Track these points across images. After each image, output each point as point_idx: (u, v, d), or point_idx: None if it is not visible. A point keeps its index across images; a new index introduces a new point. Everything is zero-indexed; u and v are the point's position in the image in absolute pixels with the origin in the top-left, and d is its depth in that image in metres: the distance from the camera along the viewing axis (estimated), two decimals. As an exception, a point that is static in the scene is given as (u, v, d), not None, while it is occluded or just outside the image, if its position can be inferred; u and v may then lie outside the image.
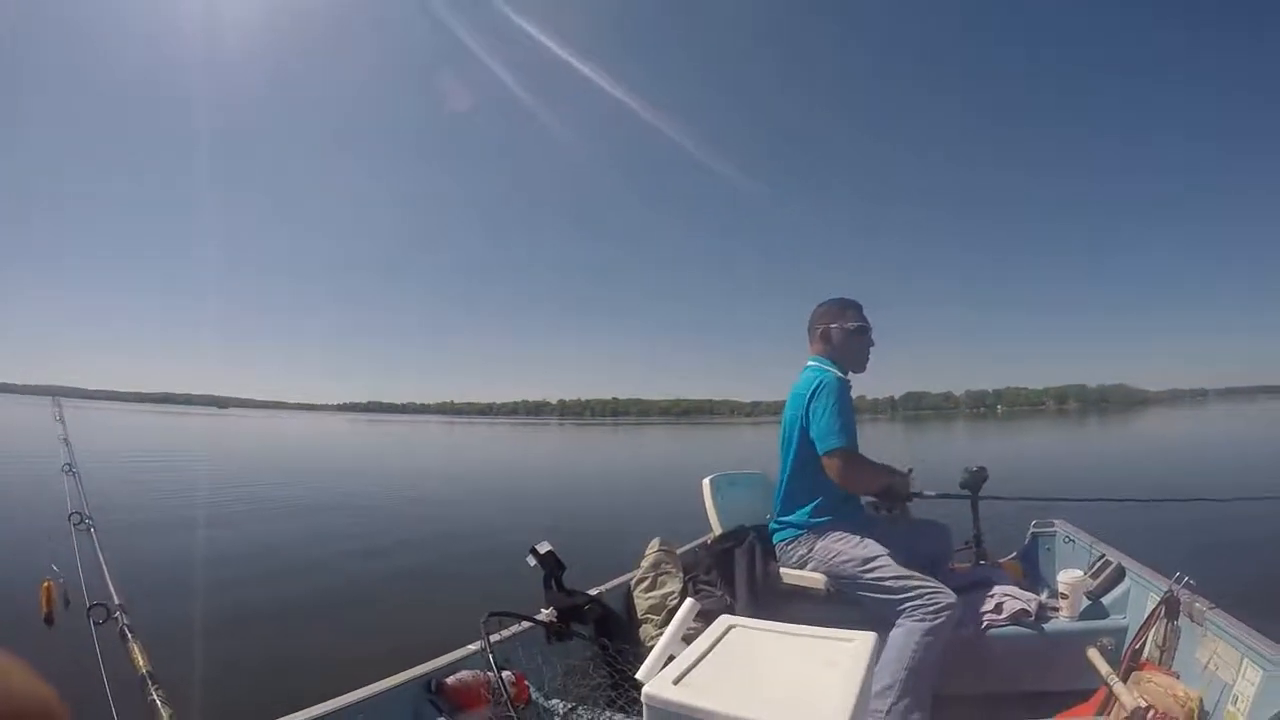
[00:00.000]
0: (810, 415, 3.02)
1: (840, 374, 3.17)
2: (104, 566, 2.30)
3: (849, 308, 3.30)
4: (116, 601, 2.02)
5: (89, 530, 2.51)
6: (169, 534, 9.73)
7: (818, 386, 3.03)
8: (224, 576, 7.21)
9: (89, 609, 1.96)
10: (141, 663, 1.77)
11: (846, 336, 3.25)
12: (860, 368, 3.32)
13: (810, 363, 3.28)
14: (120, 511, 10.64)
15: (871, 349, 3.34)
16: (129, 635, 1.87)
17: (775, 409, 3.35)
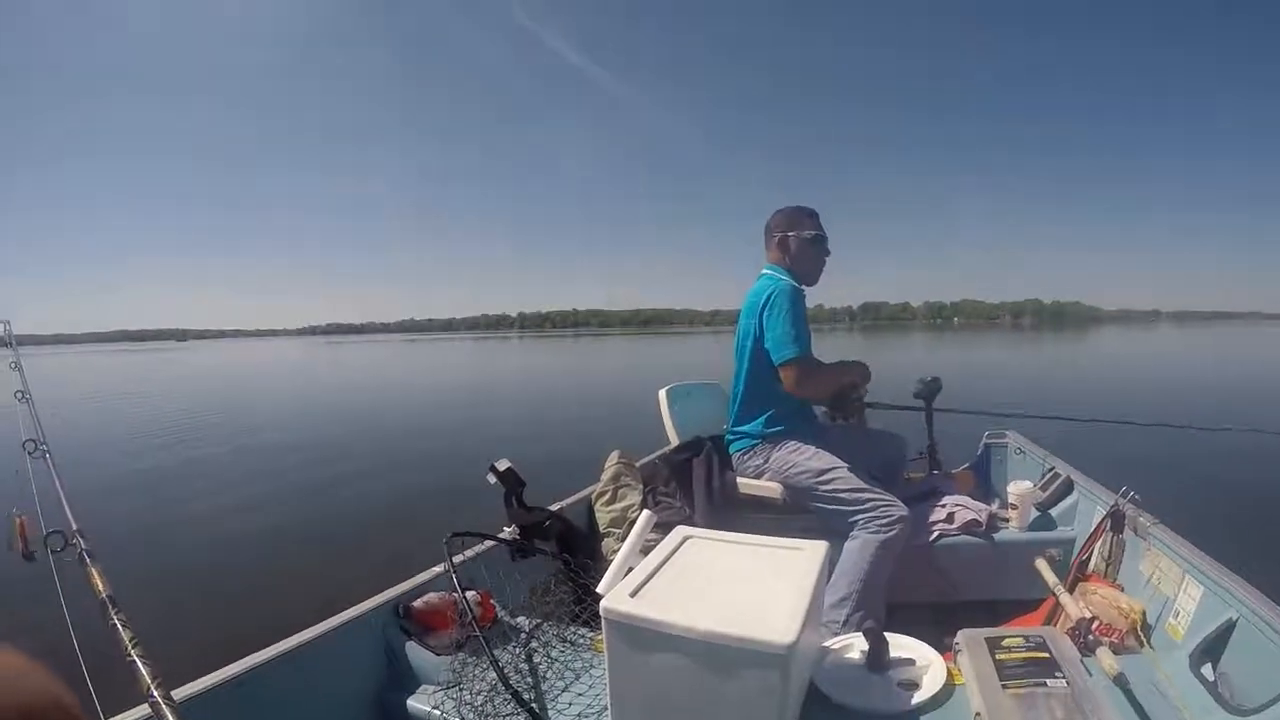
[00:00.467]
0: (764, 324, 3.00)
1: (794, 282, 3.14)
2: (61, 493, 2.26)
3: (806, 216, 3.25)
4: (74, 527, 1.99)
5: (45, 457, 2.46)
6: (127, 463, 9.77)
7: (771, 295, 3.00)
8: (185, 505, 7.24)
9: (46, 536, 1.93)
10: (101, 587, 1.75)
11: (802, 245, 3.20)
12: (813, 281, 3.29)
13: (765, 271, 3.25)
14: (76, 444, 10.59)
15: (827, 259, 3.30)
16: (88, 560, 1.85)
17: (734, 317, 3.34)
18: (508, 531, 2.89)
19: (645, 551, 1.83)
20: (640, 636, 1.48)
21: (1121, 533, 2.71)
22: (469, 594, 2.22)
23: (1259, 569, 2.15)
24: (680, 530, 1.89)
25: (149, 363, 56.23)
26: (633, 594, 1.54)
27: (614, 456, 3.57)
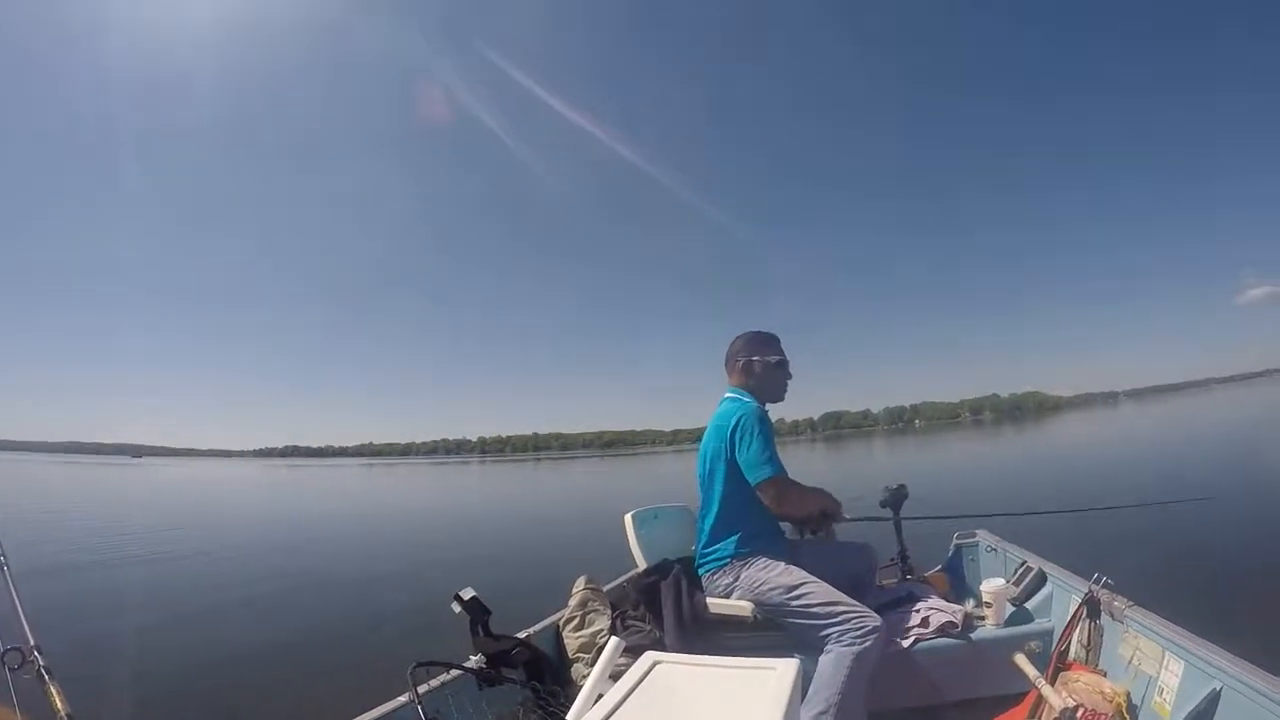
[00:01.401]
0: (736, 446, 3.05)
1: (759, 404, 3.22)
2: (18, 607, 2.21)
3: (768, 341, 3.37)
4: (32, 643, 1.94)
5: (2, 570, 2.40)
6: (86, 578, 9.63)
7: (741, 418, 3.07)
8: (144, 624, 7.07)
9: (3, 653, 1.88)
10: (60, 706, 1.71)
11: (767, 369, 3.31)
12: (779, 398, 3.39)
13: (728, 394, 3.32)
14: (34, 556, 10.38)
15: (789, 381, 3.40)
16: (46, 677, 1.81)
17: (696, 436, 3.38)
18: (474, 660, 2.81)
19: (615, 677, 1.79)
20: (612, 769, 1.42)
21: (1098, 619, 2.77)
22: (436, 725, 2.17)
23: (1237, 637, 2.21)
24: (650, 655, 1.85)
25: (105, 477, 55.26)
26: (601, 724, 1.49)
27: (581, 582, 3.53)
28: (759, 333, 3.40)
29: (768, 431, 3.05)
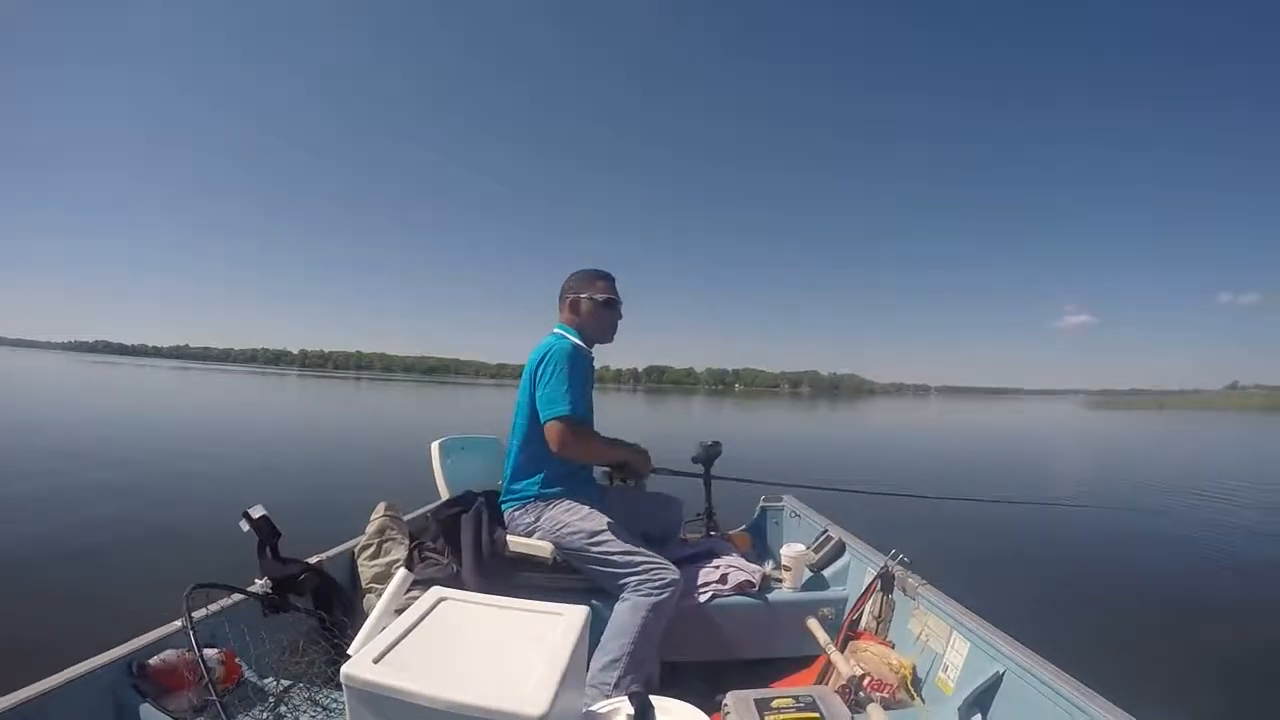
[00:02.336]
0: (538, 382, 2.96)
1: (580, 343, 3.13)
2: None
3: (600, 279, 3.27)
4: None
5: None
6: None
7: (547, 353, 2.97)
8: None
9: None
10: None
11: (594, 307, 3.22)
12: (606, 338, 3.31)
13: (555, 330, 3.22)
14: None
15: (619, 321, 3.33)
16: None
17: (519, 371, 3.28)
18: (259, 584, 2.66)
19: (402, 611, 1.71)
20: (384, 706, 1.37)
21: (891, 593, 2.86)
22: (210, 652, 2.03)
23: (1023, 625, 2.32)
24: (435, 591, 1.79)
25: None
26: (377, 659, 1.43)
27: (380, 508, 3.42)
28: (592, 270, 3.31)
29: (575, 371, 2.96)
